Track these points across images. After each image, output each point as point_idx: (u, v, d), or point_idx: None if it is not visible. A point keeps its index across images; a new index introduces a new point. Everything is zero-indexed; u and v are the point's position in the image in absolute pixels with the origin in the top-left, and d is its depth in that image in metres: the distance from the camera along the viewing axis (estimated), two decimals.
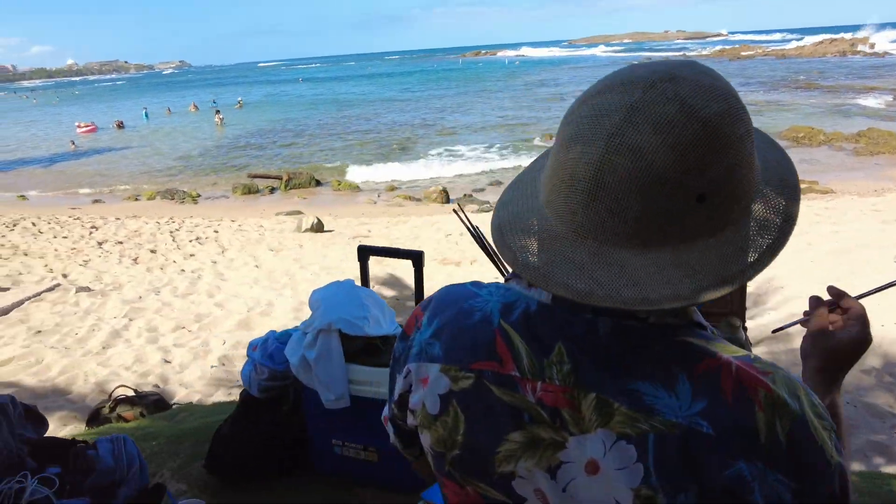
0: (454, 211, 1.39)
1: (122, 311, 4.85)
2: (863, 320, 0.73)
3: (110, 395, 2.60)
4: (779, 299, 4.41)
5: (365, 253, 1.72)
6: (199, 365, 3.75)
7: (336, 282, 1.64)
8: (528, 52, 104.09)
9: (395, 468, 1.56)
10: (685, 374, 0.54)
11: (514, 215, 0.61)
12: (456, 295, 0.69)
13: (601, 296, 0.53)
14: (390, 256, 1.69)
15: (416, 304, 1.71)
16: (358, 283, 1.72)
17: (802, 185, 9.90)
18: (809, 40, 57.61)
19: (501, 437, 0.62)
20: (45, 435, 1.51)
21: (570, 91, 30.46)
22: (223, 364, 3.76)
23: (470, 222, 1.27)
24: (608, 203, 0.52)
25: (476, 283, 0.70)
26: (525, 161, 14.57)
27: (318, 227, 8.42)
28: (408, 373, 0.70)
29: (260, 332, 4.40)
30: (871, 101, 20.81)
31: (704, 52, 58.97)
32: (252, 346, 1.69)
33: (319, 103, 35.10)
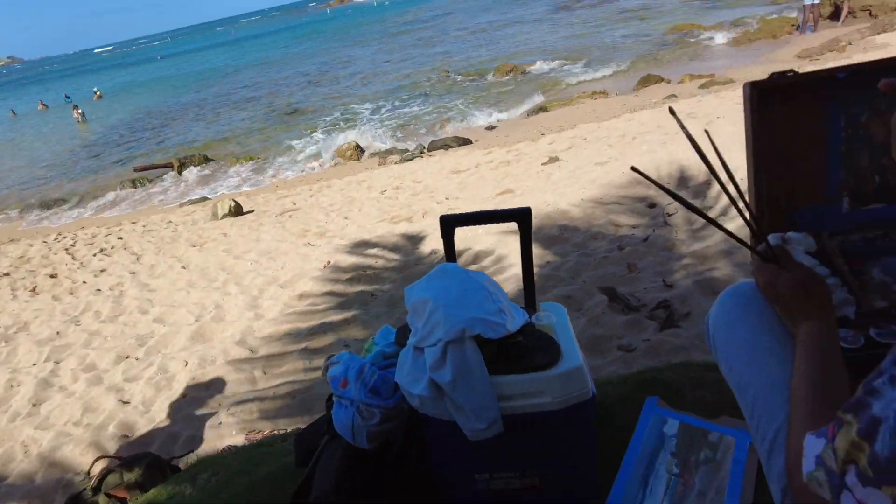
0: (670, 110, 0.97)
1: (41, 354, 4.04)
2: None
3: (88, 472, 2.02)
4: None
5: (451, 224, 1.26)
6: (167, 397, 3.13)
7: (438, 269, 1.18)
8: None
9: (560, 489, 1.19)
10: None
11: None
12: None
13: None
14: (488, 222, 1.25)
15: (525, 275, 1.29)
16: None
17: (703, 79, 10.11)
18: None
19: None
20: None
21: (447, 27, 29.71)
22: (195, 388, 3.16)
23: (650, 178, 0.86)
24: None
25: None
26: (434, 103, 14.02)
27: (237, 210, 7.60)
28: None
29: (220, 340, 3.79)
30: None
31: None
32: (338, 382, 1.21)
33: (189, 79, 32.16)
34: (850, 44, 10.53)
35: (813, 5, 12.66)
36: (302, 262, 4.98)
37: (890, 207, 1.08)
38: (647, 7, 22.59)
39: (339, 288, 4.23)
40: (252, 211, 7.85)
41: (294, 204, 7.75)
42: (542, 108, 11.29)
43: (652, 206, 4.53)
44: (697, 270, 3.67)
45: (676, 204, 4.63)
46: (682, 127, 0.89)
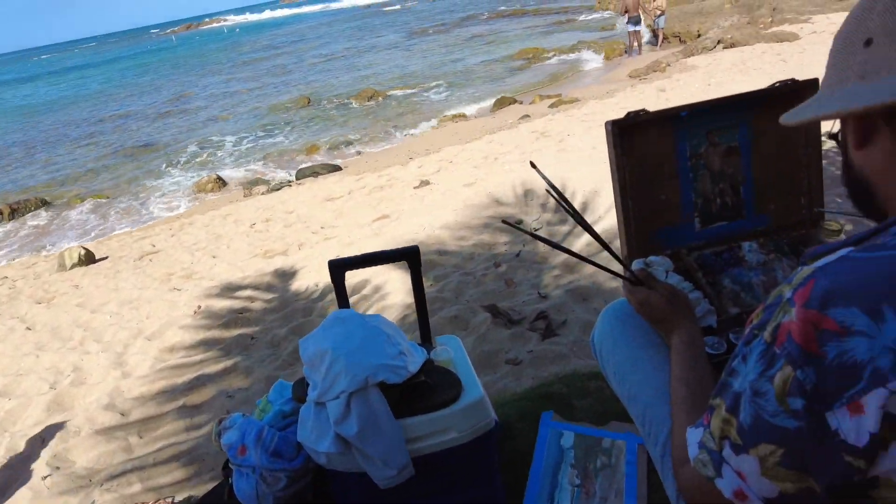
0: (531, 164, 1.03)
1: None
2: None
3: None
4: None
5: (340, 268, 1.24)
6: (23, 483, 2.75)
7: (333, 318, 1.15)
8: (248, 17, 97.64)
9: None
10: None
11: None
12: (875, 269, 0.54)
13: None
14: (377, 263, 1.25)
15: (419, 312, 1.32)
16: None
17: (552, 99, 10.91)
18: None
19: None
20: None
21: (303, 54, 29.37)
22: (58, 468, 2.80)
23: (546, 178, 0.94)
24: None
25: (877, 245, 0.57)
26: (299, 131, 13.73)
27: (89, 258, 6.89)
28: (891, 396, 0.51)
29: (83, 407, 3.42)
30: (577, 17, 23.75)
31: None
32: (235, 450, 1.13)
33: (10, 116, 28.68)
34: (669, 65, 11.92)
35: (636, 31, 14.33)
36: (169, 310, 4.62)
37: (731, 224, 1.25)
38: (493, 33, 23.95)
39: (214, 334, 3.98)
40: (106, 257, 7.16)
41: (154, 246, 7.19)
42: (407, 131, 11.51)
43: (519, 222, 4.77)
44: (567, 280, 3.92)
45: (541, 219, 4.92)
46: (545, 178, 0.97)
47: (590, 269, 3.91)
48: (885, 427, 0.52)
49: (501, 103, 12.01)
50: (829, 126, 0.74)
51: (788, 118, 0.71)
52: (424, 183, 6.79)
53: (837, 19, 12.75)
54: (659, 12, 14.58)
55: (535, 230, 4.54)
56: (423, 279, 4.53)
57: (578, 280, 3.88)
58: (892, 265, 0.53)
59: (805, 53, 10.09)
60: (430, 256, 4.51)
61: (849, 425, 0.53)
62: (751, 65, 10.06)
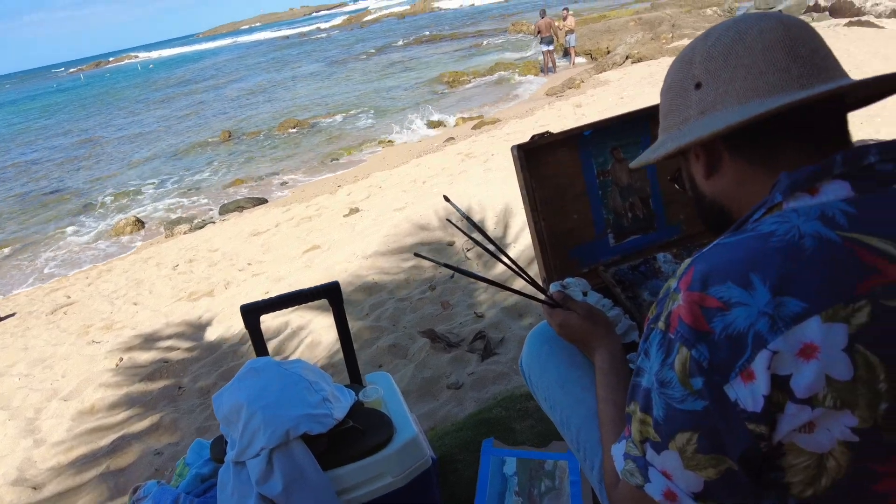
0: (444, 198, 1.02)
1: None
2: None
3: None
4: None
5: (254, 313, 1.17)
6: None
7: (248, 368, 1.08)
8: (162, 53, 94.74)
9: None
10: None
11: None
12: (741, 248, 0.60)
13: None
14: (294, 304, 1.19)
15: (345, 351, 1.27)
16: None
17: (474, 120, 11.15)
18: None
19: None
20: None
21: (222, 88, 28.75)
22: None
23: (461, 211, 0.93)
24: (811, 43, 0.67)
25: (743, 228, 0.65)
26: (222, 165, 13.33)
27: None
28: (773, 356, 0.55)
29: None
30: (492, 40, 24.43)
31: (335, 23, 61.29)
32: None
33: None
34: (584, 81, 12.43)
35: (549, 51, 14.92)
36: (88, 365, 4.31)
37: (643, 237, 1.28)
38: (412, 59, 24.26)
39: (138, 388, 3.74)
40: (13, 314, 6.65)
41: (69, 297, 6.74)
42: (333, 159, 11.40)
43: (451, 244, 4.78)
44: (502, 297, 3.94)
45: (468, 241, 4.95)
46: (459, 211, 0.96)
47: (517, 283, 3.94)
48: (776, 387, 0.55)
49: (427, 126, 12.14)
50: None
51: (639, 161, 0.81)
52: (354, 210, 6.72)
53: None
54: (569, 31, 15.24)
55: (468, 250, 4.56)
56: (358, 309, 4.40)
57: (512, 296, 3.91)
58: (753, 241, 0.60)
59: None
60: (364, 285, 4.44)
61: (745, 393, 0.56)
62: (658, 77, 10.59)
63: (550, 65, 15.18)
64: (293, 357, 3.62)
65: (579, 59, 15.77)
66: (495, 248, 1.01)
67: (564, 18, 15.25)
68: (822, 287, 0.55)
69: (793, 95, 0.63)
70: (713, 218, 0.79)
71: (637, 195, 1.26)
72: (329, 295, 1.22)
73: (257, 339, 1.21)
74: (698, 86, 0.70)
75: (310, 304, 3.92)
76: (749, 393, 0.56)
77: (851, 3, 13.15)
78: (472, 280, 4.30)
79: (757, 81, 0.65)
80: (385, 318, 3.90)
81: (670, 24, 15.46)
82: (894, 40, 9.46)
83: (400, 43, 30.72)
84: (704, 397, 0.59)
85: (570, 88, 12.23)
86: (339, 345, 3.66)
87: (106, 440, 3.19)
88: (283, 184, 10.70)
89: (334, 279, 3.40)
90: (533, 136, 1.17)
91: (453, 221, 0.96)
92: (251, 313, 1.17)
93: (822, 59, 0.66)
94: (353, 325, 3.74)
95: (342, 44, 36.96)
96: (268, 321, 4.06)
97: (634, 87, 10.36)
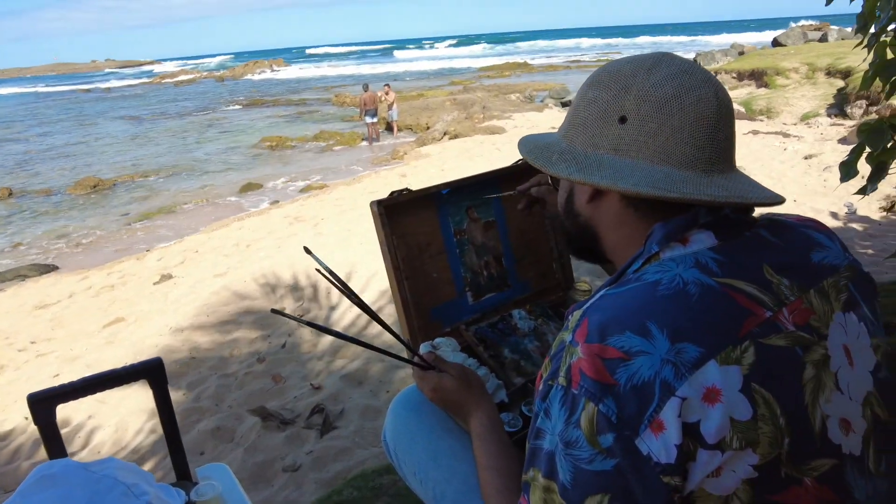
0: (305, 249, 0.91)
1: None
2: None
3: None
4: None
5: (47, 402, 0.93)
6: None
7: (40, 476, 0.83)
8: None
9: None
10: (824, 232, 0.73)
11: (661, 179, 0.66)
12: (631, 297, 0.61)
13: (769, 197, 0.68)
14: (105, 388, 0.97)
15: (170, 441, 1.08)
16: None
17: (299, 184, 11.00)
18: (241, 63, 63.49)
19: (800, 387, 0.59)
20: None
21: (5, 149, 24.91)
22: None
23: (323, 263, 0.87)
24: (728, 130, 0.70)
25: (626, 278, 0.66)
26: (4, 230, 11.32)
27: None
28: (682, 402, 0.55)
29: None
30: (321, 109, 24.63)
31: (136, 82, 57.19)
32: None
33: None
34: (406, 153, 13.06)
35: (373, 123, 15.60)
36: None
37: (499, 294, 1.30)
38: (233, 121, 23.41)
39: None
40: None
41: None
42: (143, 219, 10.36)
43: (283, 310, 4.53)
44: (339, 365, 3.78)
45: (304, 306, 4.74)
46: (321, 263, 0.89)
47: (359, 349, 3.82)
48: (686, 435, 0.55)
49: (248, 188, 11.65)
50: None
51: (538, 164, 0.77)
52: (166, 277, 6.08)
53: (533, 117, 15.46)
54: (391, 105, 16.07)
55: (301, 316, 4.34)
56: (176, 391, 3.92)
57: (350, 363, 3.77)
58: (643, 290, 0.61)
59: (513, 143, 11.94)
60: (180, 360, 3.98)
61: (657, 445, 0.55)
62: (474, 152, 11.51)
63: (374, 136, 15.79)
64: (97, 455, 3.05)
65: (401, 134, 16.57)
66: (361, 305, 0.94)
67: (386, 93, 16.05)
68: (712, 331, 0.57)
69: (698, 178, 0.65)
70: (581, 240, 0.78)
71: (491, 253, 1.29)
72: (150, 374, 1.02)
73: (52, 437, 0.96)
74: (623, 119, 0.69)
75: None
76: (661, 444, 0.55)
77: None
78: (305, 350, 4.08)
79: (676, 149, 0.66)
80: (206, 397, 3.51)
81: (481, 106, 17.02)
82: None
83: (223, 104, 29.51)
84: (615, 455, 0.56)
85: (394, 159, 12.73)
86: (152, 434, 3.20)
87: None
88: (78, 244, 9.40)
89: (143, 356, 2.98)
90: (392, 193, 1.14)
91: (323, 272, 0.88)
92: (42, 403, 0.92)
93: (729, 146, 0.69)
94: None
95: (154, 101, 34.43)
96: (66, 410, 3.42)
97: (453, 160, 11.07)
